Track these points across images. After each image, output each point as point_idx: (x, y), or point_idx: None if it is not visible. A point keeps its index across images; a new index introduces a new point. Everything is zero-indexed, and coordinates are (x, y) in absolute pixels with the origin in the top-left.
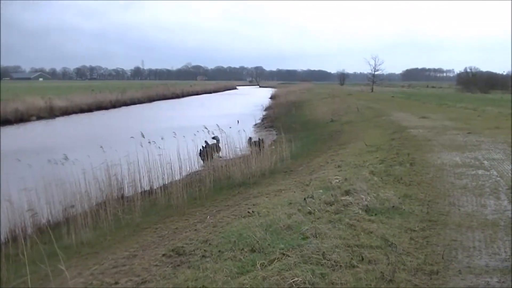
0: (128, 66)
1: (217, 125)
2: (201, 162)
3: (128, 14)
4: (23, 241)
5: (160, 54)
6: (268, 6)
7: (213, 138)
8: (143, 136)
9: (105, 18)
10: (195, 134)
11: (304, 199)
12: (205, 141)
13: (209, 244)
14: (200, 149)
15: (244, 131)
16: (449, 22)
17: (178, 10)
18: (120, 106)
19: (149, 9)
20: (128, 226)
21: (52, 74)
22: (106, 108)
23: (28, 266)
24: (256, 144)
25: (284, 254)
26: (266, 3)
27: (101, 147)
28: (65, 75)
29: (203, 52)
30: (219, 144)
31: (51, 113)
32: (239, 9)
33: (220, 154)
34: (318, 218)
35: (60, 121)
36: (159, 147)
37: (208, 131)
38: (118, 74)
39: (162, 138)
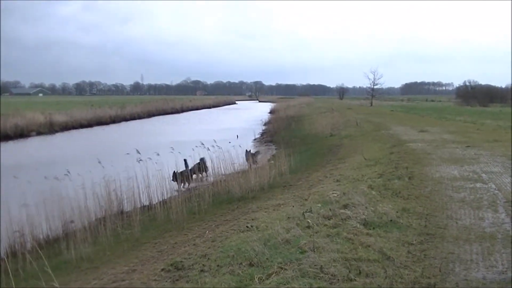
0: (127, 81)
1: (214, 140)
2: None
3: (126, 28)
4: (23, 256)
5: (160, 69)
6: (266, 20)
7: (200, 159)
8: (138, 152)
9: (104, 32)
10: (193, 149)
11: (303, 213)
12: (184, 160)
13: (208, 258)
14: (174, 172)
15: (240, 146)
16: (447, 35)
17: (176, 24)
18: (119, 121)
19: (147, 23)
20: (128, 241)
21: (52, 90)
22: (105, 123)
23: (26, 281)
24: (252, 156)
25: (282, 268)
26: (264, 17)
27: (99, 162)
28: (64, 90)
29: (203, 67)
30: (206, 164)
31: (51, 129)
32: (237, 23)
33: (204, 174)
34: (316, 232)
35: (60, 136)
36: (156, 163)
37: (204, 146)
38: (117, 89)
39: (158, 154)
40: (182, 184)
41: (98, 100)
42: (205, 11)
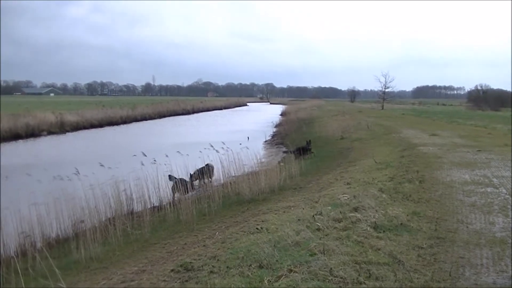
0: (138, 82)
1: (223, 142)
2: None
3: (136, 30)
4: (32, 256)
5: (171, 70)
6: (277, 23)
7: (206, 165)
8: (144, 155)
9: (114, 34)
10: (201, 151)
11: (313, 215)
12: (169, 176)
13: (217, 260)
14: (173, 184)
15: (247, 148)
16: (459, 38)
17: (185, 26)
18: (130, 122)
19: (156, 25)
20: (137, 242)
21: (63, 90)
22: (116, 123)
23: (36, 281)
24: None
25: (291, 271)
26: (274, 19)
27: (102, 165)
28: (76, 90)
29: (214, 68)
30: (211, 170)
31: (61, 128)
32: (247, 25)
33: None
34: (326, 235)
35: (70, 136)
36: (165, 164)
37: (214, 148)
38: (128, 90)
39: (166, 156)
40: (178, 193)
41: (109, 101)
42: (214, 13)
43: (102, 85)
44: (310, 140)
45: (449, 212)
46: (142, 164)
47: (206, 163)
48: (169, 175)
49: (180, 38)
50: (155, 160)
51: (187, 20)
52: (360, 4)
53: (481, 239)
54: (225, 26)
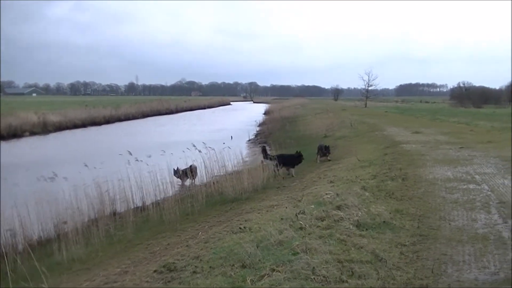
0: (122, 81)
1: (203, 142)
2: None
3: (120, 29)
4: (14, 258)
5: (155, 70)
6: (260, 21)
7: (190, 166)
8: (130, 154)
9: (97, 33)
10: (183, 151)
11: (296, 214)
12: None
13: (200, 260)
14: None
15: (229, 148)
16: (441, 36)
17: (170, 25)
18: (114, 121)
19: (140, 24)
20: (120, 242)
21: (46, 89)
22: (99, 123)
23: (16, 283)
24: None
25: (274, 270)
26: (258, 18)
27: (86, 165)
28: (59, 90)
29: (198, 68)
30: (195, 170)
31: (44, 129)
32: (231, 24)
33: (188, 181)
34: (309, 234)
35: (53, 136)
36: (147, 164)
37: (196, 148)
38: (112, 90)
39: (149, 156)
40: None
41: (93, 100)
42: (198, 10)
43: (85, 84)
44: (299, 151)
45: (432, 209)
46: (129, 164)
47: (189, 165)
48: (174, 169)
49: (163, 37)
50: (137, 159)
51: (171, 18)
52: (344, 2)
53: (463, 236)
54: (209, 24)
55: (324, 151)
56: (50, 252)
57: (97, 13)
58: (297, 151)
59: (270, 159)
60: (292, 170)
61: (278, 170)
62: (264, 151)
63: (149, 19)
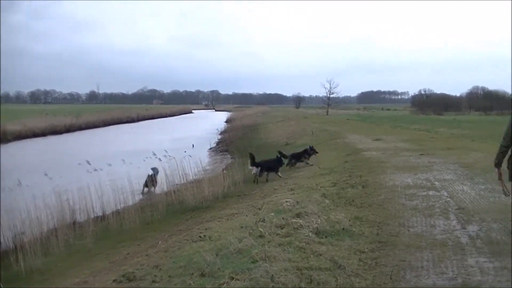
0: (83, 90)
1: (165, 150)
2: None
3: (80, 36)
4: None
5: (116, 78)
6: (221, 29)
7: (152, 169)
8: (89, 163)
9: (56, 40)
10: (144, 160)
11: (256, 222)
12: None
13: (160, 269)
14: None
15: (190, 156)
16: (402, 44)
17: (129, 33)
18: (74, 130)
19: (99, 31)
20: (80, 252)
21: (5, 98)
22: (60, 132)
23: None
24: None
25: (233, 278)
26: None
27: (51, 172)
28: (18, 98)
29: (159, 76)
30: (156, 177)
31: (3, 138)
32: (190, 32)
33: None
34: (268, 242)
35: (12, 145)
36: (107, 173)
37: (156, 157)
38: (73, 98)
39: (110, 165)
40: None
41: (53, 109)
42: (156, 20)
43: (46, 93)
44: (279, 154)
45: (391, 216)
46: (88, 172)
47: (148, 174)
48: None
49: (124, 45)
50: (96, 169)
51: (129, 26)
52: (306, 10)
53: (422, 242)
54: (167, 33)
55: (310, 151)
56: (8, 264)
57: (54, 21)
58: (277, 155)
59: (257, 166)
60: (279, 173)
61: (260, 176)
62: (252, 158)
63: (108, 27)
